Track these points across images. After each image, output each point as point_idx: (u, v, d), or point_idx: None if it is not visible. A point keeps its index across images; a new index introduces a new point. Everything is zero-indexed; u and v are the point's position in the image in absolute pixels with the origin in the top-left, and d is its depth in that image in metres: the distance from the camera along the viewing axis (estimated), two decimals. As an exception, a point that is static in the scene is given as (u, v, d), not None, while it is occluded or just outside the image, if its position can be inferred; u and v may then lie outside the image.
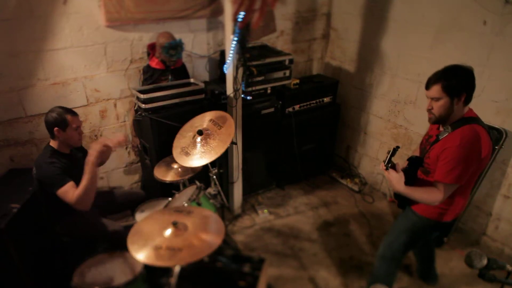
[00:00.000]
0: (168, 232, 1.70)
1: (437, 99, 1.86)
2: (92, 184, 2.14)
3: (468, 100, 1.87)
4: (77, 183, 2.21)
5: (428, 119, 1.99)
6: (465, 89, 1.84)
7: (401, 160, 2.09)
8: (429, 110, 1.93)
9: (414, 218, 2.13)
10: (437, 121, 1.95)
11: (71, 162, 2.32)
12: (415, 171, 2.10)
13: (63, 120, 2.21)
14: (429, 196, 1.92)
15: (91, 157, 2.13)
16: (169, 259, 1.58)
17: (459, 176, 1.84)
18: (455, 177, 1.84)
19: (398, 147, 1.94)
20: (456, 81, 1.82)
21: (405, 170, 2.01)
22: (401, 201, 2.17)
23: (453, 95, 1.83)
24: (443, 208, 2.03)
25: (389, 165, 1.93)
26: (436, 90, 1.85)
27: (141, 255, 1.60)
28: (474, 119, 1.90)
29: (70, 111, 2.28)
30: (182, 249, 1.61)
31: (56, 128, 2.21)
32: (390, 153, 1.93)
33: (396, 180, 1.92)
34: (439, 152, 1.90)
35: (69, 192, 2.13)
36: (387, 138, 3.69)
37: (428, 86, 1.90)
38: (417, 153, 2.21)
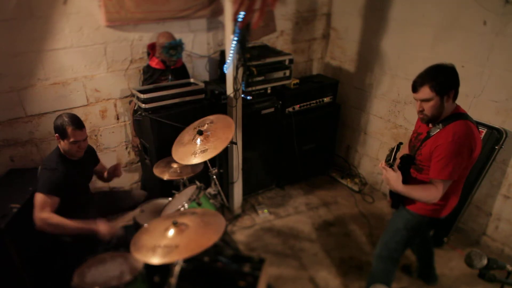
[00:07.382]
0: (171, 232, 1.77)
1: (428, 100, 1.87)
2: (71, 233, 2.12)
3: (456, 96, 1.90)
4: (79, 188, 2.22)
5: (421, 120, 2.00)
6: (453, 86, 1.86)
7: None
8: (421, 111, 1.94)
9: (408, 216, 2.14)
10: (430, 120, 1.96)
11: (76, 168, 2.31)
12: (408, 169, 2.10)
13: (63, 130, 2.15)
14: (427, 194, 1.92)
15: (103, 231, 2.12)
16: (170, 255, 1.63)
17: (453, 171, 1.86)
18: (449, 173, 1.86)
19: (401, 143, 1.94)
20: (443, 80, 1.83)
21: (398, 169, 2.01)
22: (395, 200, 2.18)
23: (442, 94, 1.84)
24: (436, 204, 2.03)
25: (393, 162, 1.89)
26: (425, 91, 1.85)
27: (144, 257, 1.66)
28: (463, 115, 1.92)
29: (75, 123, 2.15)
30: (182, 245, 1.66)
31: (56, 135, 2.20)
32: (394, 150, 1.91)
33: (394, 179, 1.91)
34: (432, 148, 1.91)
35: (45, 206, 2.07)
36: (387, 138, 3.69)
37: (415, 88, 1.90)
38: (405, 152, 2.21)
